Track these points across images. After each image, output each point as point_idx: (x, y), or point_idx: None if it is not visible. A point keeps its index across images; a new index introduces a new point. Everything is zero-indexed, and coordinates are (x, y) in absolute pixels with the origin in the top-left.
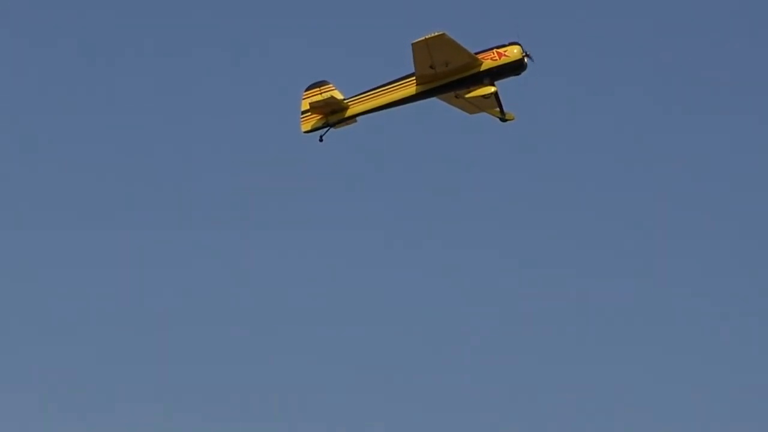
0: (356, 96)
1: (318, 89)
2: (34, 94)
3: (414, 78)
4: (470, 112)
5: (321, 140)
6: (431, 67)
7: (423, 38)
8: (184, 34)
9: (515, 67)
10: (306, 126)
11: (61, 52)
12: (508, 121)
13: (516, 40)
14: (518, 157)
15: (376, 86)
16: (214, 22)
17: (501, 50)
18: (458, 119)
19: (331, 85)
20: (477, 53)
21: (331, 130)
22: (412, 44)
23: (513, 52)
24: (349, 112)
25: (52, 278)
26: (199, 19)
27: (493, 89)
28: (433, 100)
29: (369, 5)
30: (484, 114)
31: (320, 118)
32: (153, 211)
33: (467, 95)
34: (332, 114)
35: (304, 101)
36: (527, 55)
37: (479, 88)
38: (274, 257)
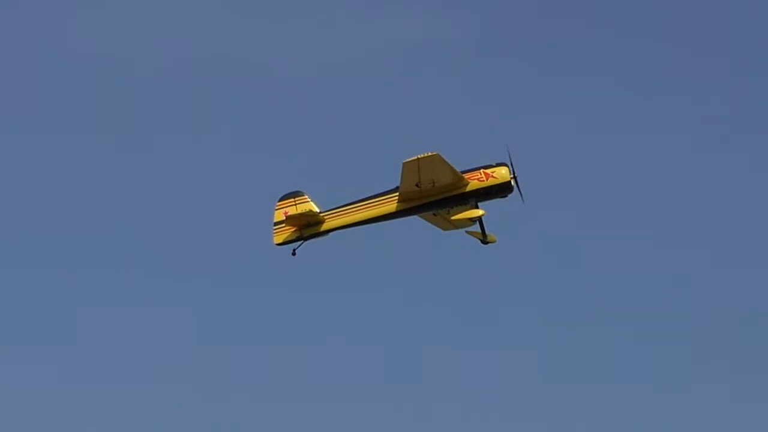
0: (333, 210)
1: (293, 200)
2: None
3: (396, 194)
4: (444, 229)
5: (294, 254)
6: (417, 185)
7: (415, 158)
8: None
9: (502, 189)
10: (279, 238)
11: None
12: (489, 243)
13: (504, 161)
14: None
15: (354, 201)
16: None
17: (489, 171)
18: (433, 235)
19: (305, 197)
20: (464, 172)
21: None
22: (403, 163)
23: (501, 174)
24: (324, 227)
25: None
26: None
27: (481, 212)
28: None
29: (342, 115)
30: (460, 231)
31: (294, 231)
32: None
33: (453, 217)
34: (307, 227)
35: (277, 212)
36: (514, 177)
37: (466, 210)
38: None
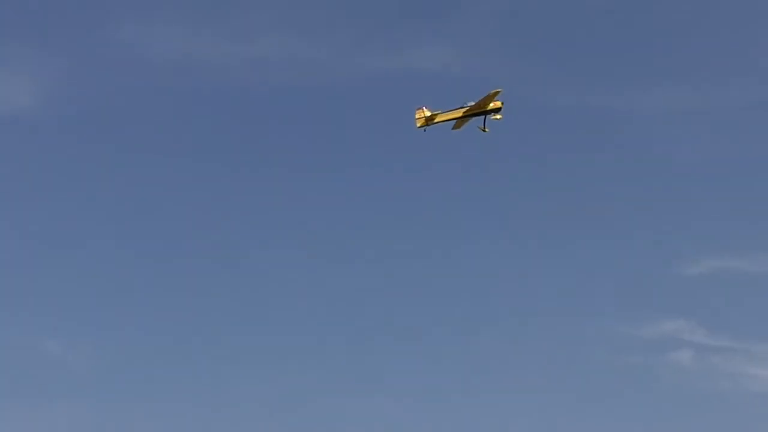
0: (438, 112)
1: (423, 108)
2: None
3: (464, 108)
4: (458, 129)
5: (425, 130)
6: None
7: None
8: None
9: (498, 110)
10: (419, 123)
11: None
12: (486, 131)
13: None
14: None
15: (445, 110)
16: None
17: (496, 102)
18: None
19: (423, 108)
20: (485, 98)
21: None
22: (492, 92)
23: (497, 104)
24: (437, 119)
25: None
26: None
27: (500, 104)
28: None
29: None
30: (472, 127)
31: (423, 122)
32: None
33: (493, 117)
34: (430, 119)
35: (417, 111)
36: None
37: (493, 112)
38: None
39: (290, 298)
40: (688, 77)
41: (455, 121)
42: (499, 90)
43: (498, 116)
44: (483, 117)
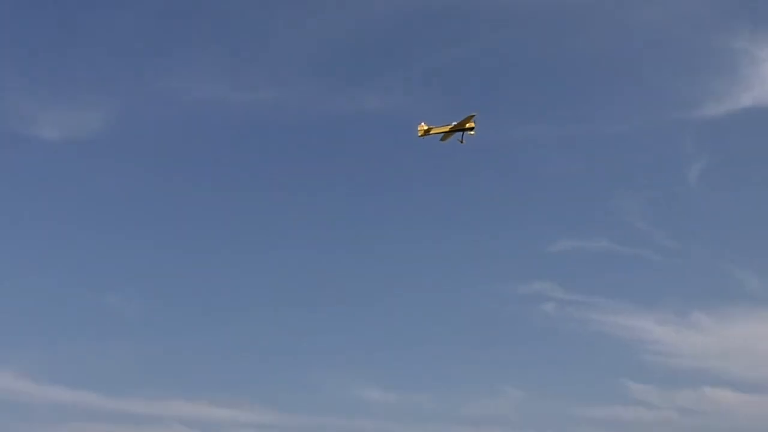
0: (432, 127)
1: (423, 123)
2: None
3: (450, 125)
4: (444, 141)
5: (422, 137)
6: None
7: (471, 115)
8: None
9: (472, 129)
10: (420, 134)
11: None
12: (463, 143)
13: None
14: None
15: (435, 125)
16: None
17: (471, 122)
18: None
19: (423, 124)
20: (465, 120)
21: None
22: (471, 115)
23: (471, 124)
24: (431, 132)
25: None
26: None
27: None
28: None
29: None
30: (454, 140)
31: (422, 133)
32: None
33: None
34: (426, 132)
35: (419, 126)
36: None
37: (468, 130)
38: None
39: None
40: (557, 114)
41: (443, 134)
42: (474, 114)
43: (472, 132)
44: (461, 133)
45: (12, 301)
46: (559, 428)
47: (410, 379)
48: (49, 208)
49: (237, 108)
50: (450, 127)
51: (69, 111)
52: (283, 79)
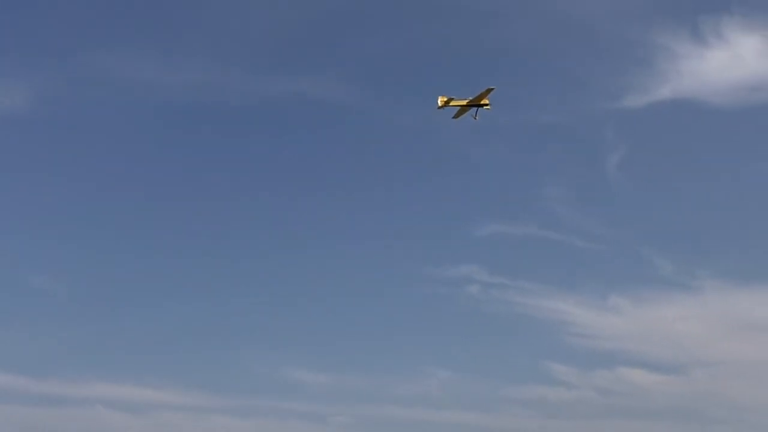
0: (451, 99)
1: (444, 96)
2: None
3: (468, 99)
4: (457, 118)
5: (440, 109)
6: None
7: (489, 89)
8: None
9: (487, 105)
10: (439, 104)
11: None
12: (476, 119)
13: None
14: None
15: (454, 98)
16: None
17: (486, 98)
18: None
19: (444, 96)
20: (481, 95)
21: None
22: (488, 89)
23: (486, 100)
24: (451, 103)
25: None
26: None
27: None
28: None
29: None
30: (468, 116)
31: (443, 104)
32: None
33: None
34: (446, 103)
35: (440, 98)
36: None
37: (485, 105)
38: None
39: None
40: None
41: (459, 109)
42: (493, 88)
43: (488, 107)
44: (476, 109)
45: None
46: (484, 408)
47: (340, 361)
48: None
49: (168, 89)
50: (467, 101)
51: None
52: (216, 61)
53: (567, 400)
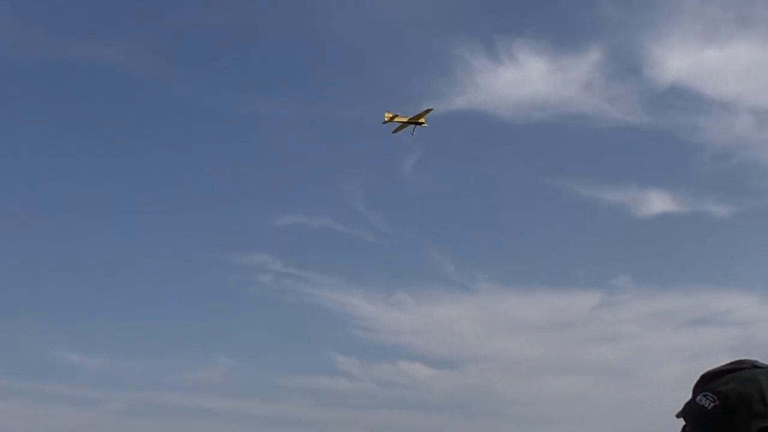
0: (394, 116)
1: (390, 113)
2: None
3: (408, 117)
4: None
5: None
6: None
7: (427, 110)
8: None
9: (423, 123)
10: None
11: None
12: (413, 134)
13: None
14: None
15: (395, 114)
16: None
17: (424, 116)
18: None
19: (390, 112)
20: (419, 115)
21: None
22: (429, 109)
23: (423, 119)
24: (394, 120)
25: None
26: None
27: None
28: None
29: None
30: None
31: (388, 120)
32: None
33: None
34: (391, 119)
35: (386, 113)
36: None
37: (421, 123)
38: None
39: None
40: (291, 92)
41: (399, 124)
42: (431, 109)
43: (425, 125)
44: (413, 126)
45: None
46: (265, 396)
47: (116, 344)
48: None
49: None
50: (408, 119)
51: None
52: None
53: (347, 391)
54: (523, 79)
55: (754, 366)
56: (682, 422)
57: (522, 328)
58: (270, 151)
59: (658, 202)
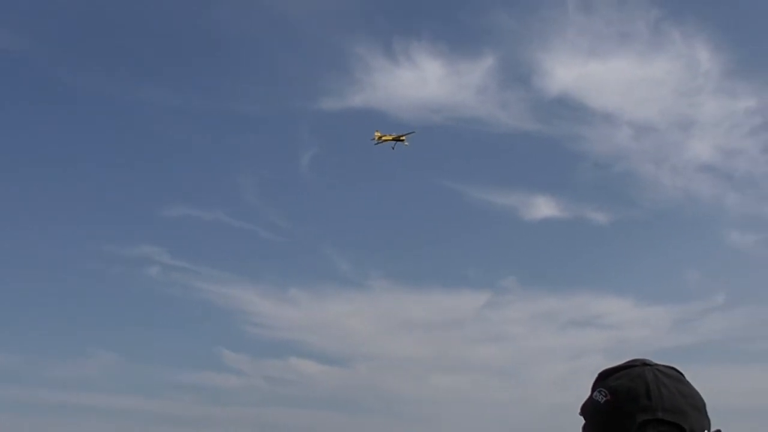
0: (382, 136)
1: (378, 132)
2: None
3: (392, 135)
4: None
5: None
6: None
7: (410, 133)
8: None
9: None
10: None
11: None
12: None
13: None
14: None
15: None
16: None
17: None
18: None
19: (378, 132)
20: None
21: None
22: (412, 132)
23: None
24: (382, 138)
25: None
26: None
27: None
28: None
29: None
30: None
31: (377, 138)
32: None
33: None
34: (380, 139)
35: (376, 132)
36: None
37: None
38: None
39: None
40: (187, 83)
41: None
42: (414, 132)
43: (407, 144)
44: (395, 142)
45: None
46: (148, 392)
47: None
48: None
49: None
50: (393, 137)
51: None
52: None
53: (235, 388)
54: (419, 80)
55: (644, 364)
56: (581, 420)
57: (413, 327)
58: (156, 141)
59: (543, 207)
